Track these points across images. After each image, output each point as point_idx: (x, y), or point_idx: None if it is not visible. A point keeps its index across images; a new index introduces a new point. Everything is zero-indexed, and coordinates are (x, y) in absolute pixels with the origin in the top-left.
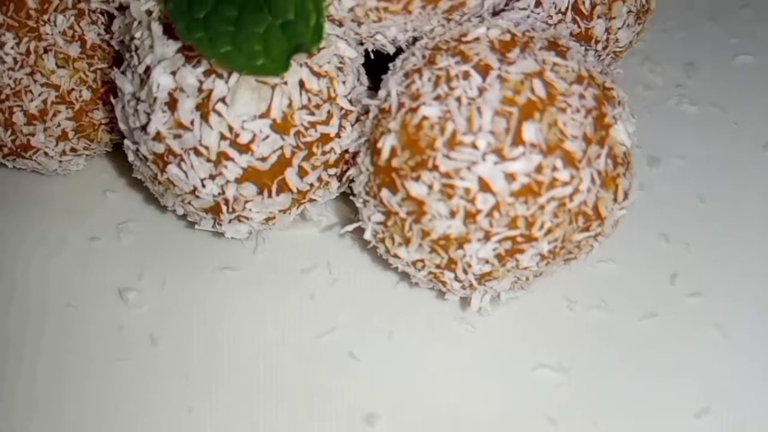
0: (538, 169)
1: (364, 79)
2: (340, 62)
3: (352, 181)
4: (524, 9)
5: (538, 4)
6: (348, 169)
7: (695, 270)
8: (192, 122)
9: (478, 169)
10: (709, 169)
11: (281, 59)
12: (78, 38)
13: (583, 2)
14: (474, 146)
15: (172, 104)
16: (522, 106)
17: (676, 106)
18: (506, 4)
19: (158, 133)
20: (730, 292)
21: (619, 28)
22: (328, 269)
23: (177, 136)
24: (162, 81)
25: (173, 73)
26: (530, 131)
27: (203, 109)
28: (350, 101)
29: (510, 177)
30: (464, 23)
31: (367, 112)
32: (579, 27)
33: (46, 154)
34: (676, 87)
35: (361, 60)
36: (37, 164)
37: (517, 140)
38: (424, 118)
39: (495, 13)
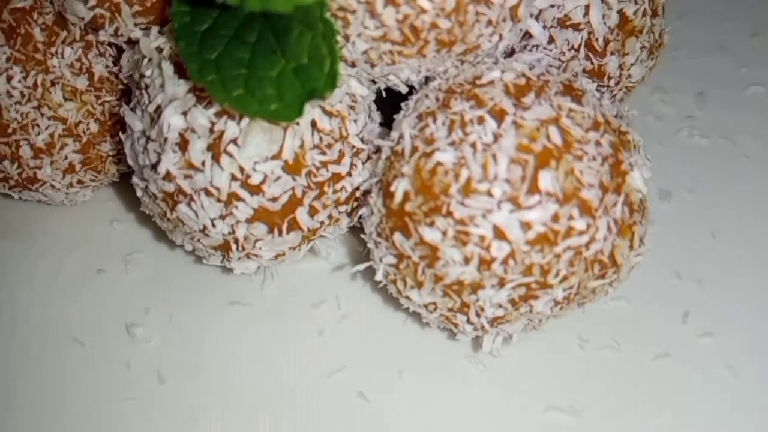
0: (555, 218)
1: (376, 116)
2: (352, 101)
3: (363, 218)
4: (537, 47)
5: (551, 40)
6: (359, 205)
7: (707, 309)
8: (203, 163)
9: (493, 217)
10: (720, 203)
11: (295, 105)
12: (86, 71)
13: (597, 39)
14: (489, 194)
15: (183, 145)
16: (538, 153)
17: (687, 138)
18: (520, 44)
19: (168, 173)
20: (742, 332)
21: (632, 64)
22: (337, 304)
23: (187, 177)
24: (173, 121)
25: (184, 114)
26: (546, 180)
27: (215, 150)
28: (362, 139)
29: (526, 225)
30: (478, 65)
31: (378, 150)
32: (592, 63)
33: (52, 186)
34: (687, 118)
35: (373, 96)
36: (44, 196)
37: (533, 189)
38: (439, 163)
39: (508, 54)
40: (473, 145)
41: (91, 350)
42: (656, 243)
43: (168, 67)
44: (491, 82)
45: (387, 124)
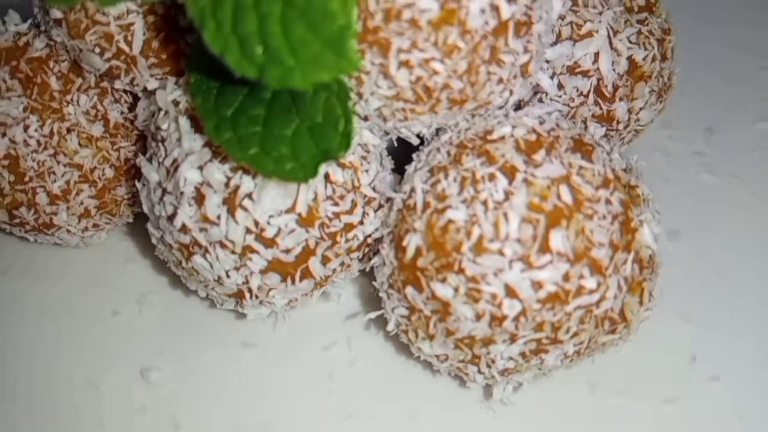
0: (565, 277)
1: (387, 163)
2: (365, 151)
3: (375, 268)
4: (546, 94)
5: (560, 87)
6: (370, 251)
7: (714, 353)
8: (218, 217)
9: (504, 276)
10: (728, 244)
11: (310, 165)
12: (101, 117)
13: (606, 85)
14: (501, 253)
15: (199, 198)
16: (548, 212)
17: (695, 175)
18: (530, 97)
19: (184, 226)
20: (748, 377)
21: (641, 108)
22: (349, 347)
23: (203, 230)
24: (189, 176)
25: (200, 168)
26: (557, 239)
27: (230, 204)
28: (374, 188)
29: (537, 285)
30: (489, 118)
31: (390, 199)
32: (601, 109)
33: (68, 231)
34: (695, 154)
35: (385, 145)
36: (59, 239)
37: (544, 248)
38: (451, 221)
39: (518, 107)
40: (485, 203)
41: (107, 394)
42: (665, 285)
43: (184, 122)
44: (502, 138)
45: (398, 168)
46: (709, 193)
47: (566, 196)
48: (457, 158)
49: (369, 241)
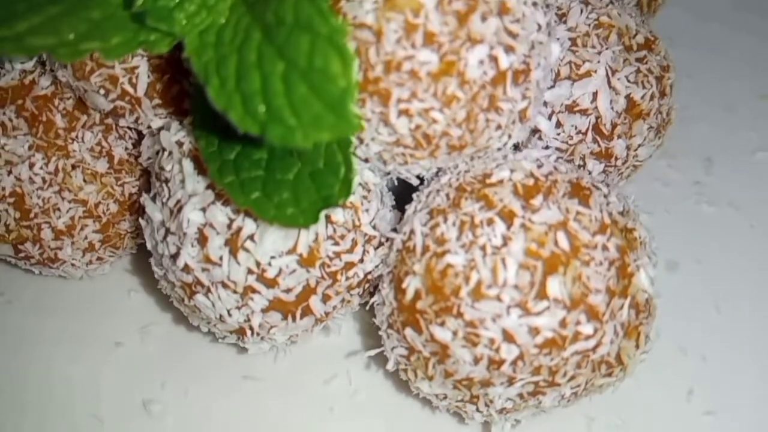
0: (562, 323)
1: (387, 199)
2: (365, 190)
3: (374, 306)
4: (545, 135)
5: (558, 124)
6: (369, 286)
7: (711, 386)
8: (221, 258)
9: (502, 321)
10: (725, 276)
11: (311, 211)
12: (106, 154)
13: (604, 123)
14: (499, 299)
15: (202, 240)
16: (546, 259)
17: (694, 205)
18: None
19: (187, 266)
20: (744, 411)
21: (640, 145)
22: (349, 380)
23: (205, 270)
24: (192, 217)
25: (203, 210)
26: (554, 286)
27: (232, 245)
28: (374, 226)
29: (534, 330)
30: (488, 161)
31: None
32: (599, 146)
33: (72, 265)
34: (695, 184)
35: (386, 182)
36: (63, 273)
37: (542, 294)
38: (449, 265)
39: (517, 146)
40: (483, 248)
41: (110, 427)
42: (663, 317)
43: (188, 164)
44: (500, 182)
45: (399, 204)
46: (707, 223)
47: (563, 243)
48: (456, 202)
49: (369, 277)
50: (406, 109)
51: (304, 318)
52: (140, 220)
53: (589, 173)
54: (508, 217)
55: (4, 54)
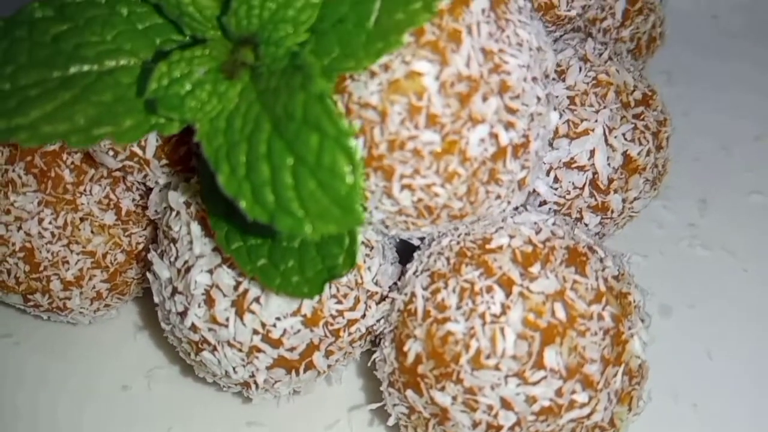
0: (558, 393)
1: (389, 254)
2: (368, 248)
3: (376, 362)
4: (544, 202)
5: (556, 180)
6: (369, 338)
7: None
8: (227, 319)
9: (500, 390)
10: (718, 321)
11: (315, 282)
12: (113, 206)
13: (601, 179)
14: (497, 368)
15: (209, 301)
16: (543, 329)
17: (688, 248)
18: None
19: (194, 325)
20: None
21: (635, 198)
22: (350, 427)
23: (212, 330)
24: (200, 279)
25: (210, 272)
26: (551, 357)
27: (238, 306)
28: (376, 282)
29: (531, 399)
30: (487, 226)
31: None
32: (596, 200)
33: (81, 312)
34: (689, 226)
35: (387, 238)
36: (71, 320)
37: (539, 365)
38: (450, 333)
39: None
40: (482, 317)
41: None
42: (655, 363)
43: (196, 228)
44: (500, 248)
45: (400, 253)
46: (701, 267)
47: (560, 313)
48: (456, 267)
49: (371, 330)
50: (409, 184)
51: (307, 372)
52: (148, 274)
53: (586, 225)
54: (506, 284)
55: (21, 143)
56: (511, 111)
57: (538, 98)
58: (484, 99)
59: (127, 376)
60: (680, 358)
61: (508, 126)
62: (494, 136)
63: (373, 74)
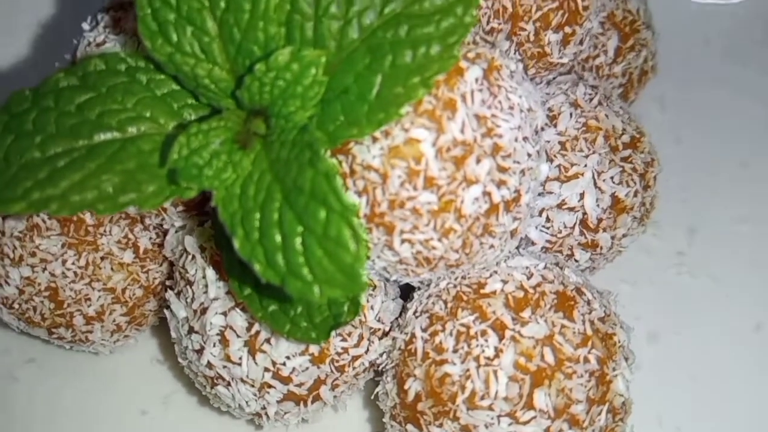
0: (547, 431)
1: (391, 290)
2: (370, 288)
3: (378, 395)
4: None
5: (548, 220)
6: (373, 370)
7: None
8: (240, 358)
9: (493, 429)
10: (702, 348)
11: (323, 327)
12: (132, 245)
13: (590, 219)
14: (490, 408)
15: (223, 341)
16: (533, 372)
17: (676, 276)
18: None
19: (209, 363)
20: None
21: (624, 235)
22: None
23: (226, 367)
24: (215, 321)
25: (224, 314)
26: (540, 399)
27: (251, 346)
28: (379, 319)
29: None
30: (482, 270)
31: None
32: (586, 238)
33: (102, 344)
34: (677, 255)
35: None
36: (92, 350)
37: (529, 406)
38: (447, 374)
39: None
40: (477, 359)
41: None
42: (641, 389)
43: (210, 273)
44: (494, 293)
45: (402, 287)
46: (687, 295)
47: (549, 357)
48: (453, 311)
49: (373, 363)
50: (409, 239)
51: (314, 403)
52: (166, 311)
53: (576, 261)
54: (499, 329)
55: (52, 213)
56: (503, 170)
57: (529, 155)
58: (478, 161)
59: (145, 401)
60: (665, 383)
61: (500, 184)
62: (487, 194)
63: (375, 139)
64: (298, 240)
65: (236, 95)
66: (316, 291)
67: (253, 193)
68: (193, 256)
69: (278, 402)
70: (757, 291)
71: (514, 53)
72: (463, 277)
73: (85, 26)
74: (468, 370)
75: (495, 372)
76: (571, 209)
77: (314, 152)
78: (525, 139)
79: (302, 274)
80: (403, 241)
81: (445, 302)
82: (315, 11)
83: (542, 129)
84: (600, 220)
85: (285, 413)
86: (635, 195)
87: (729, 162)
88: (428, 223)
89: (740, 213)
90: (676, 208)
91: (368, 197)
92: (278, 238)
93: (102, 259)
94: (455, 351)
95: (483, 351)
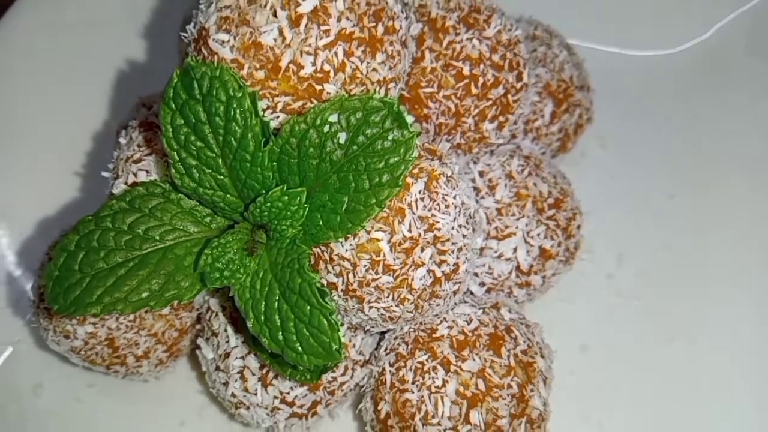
0: None
1: None
2: (352, 330)
3: (362, 411)
4: (482, 283)
5: (490, 268)
6: (357, 388)
7: None
8: (256, 390)
9: None
10: (625, 357)
11: (314, 373)
12: None
13: (523, 266)
14: (439, 425)
15: (243, 378)
16: (469, 398)
17: (605, 296)
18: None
19: (233, 393)
20: None
21: (552, 274)
22: None
23: (245, 396)
24: (235, 364)
25: (243, 358)
26: (475, 416)
27: (263, 381)
28: (360, 352)
29: None
30: (434, 318)
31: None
32: (521, 279)
33: (148, 373)
34: (607, 278)
35: None
36: (142, 378)
37: (466, 422)
38: (407, 400)
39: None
40: (429, 388)
41: None
42: (573, 390)
43: (231, 329)
44: (442, 337)
45: None
46: (615, 312)
47: (481, 386)
48: (412, 351)
49: (357, 384)
50: (375, 306)
51: (313, 417)
52: (197, 352)
53: (515, 297)
54: (446, 365)
55: (120, 313)
56: (443, 252)
57: (464, 236)
58: (422, 250)
59: (183, 413)
60: (593, 387)
61: (441, 263)
62: (431, 272)
63: (346, 238)
64: (292, 324)
65: (244, 215)
66: (305, 359)
67: (259, 287)
68: (217, 313)
69: (285, 419)
70: (674, 309)
71: (459, 139)
72: (421, 323)
73: (122, 140)
74: (423, 396)
75: (442, 398)
76: (507, 260)
77: (301, 265)
78: (460, 226)
79: (296, 348)
80: (370, 308)
81: (407, 344)
82: (298, 153)
83: (476, 212)
84: (531, 266)
85: (291, 425)
86: (559, 245)
87: (657, 194)
88: (388, 295)
89: (664, 241)
90: (609, 236)
91: (343, 279)
92: (278, 321)
93: (146, 312)
94: (413, 382)
95: (434, 382)
